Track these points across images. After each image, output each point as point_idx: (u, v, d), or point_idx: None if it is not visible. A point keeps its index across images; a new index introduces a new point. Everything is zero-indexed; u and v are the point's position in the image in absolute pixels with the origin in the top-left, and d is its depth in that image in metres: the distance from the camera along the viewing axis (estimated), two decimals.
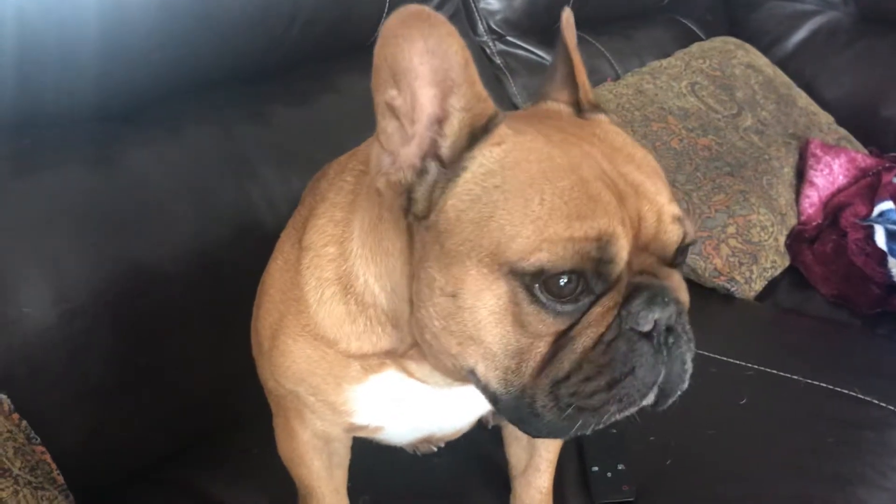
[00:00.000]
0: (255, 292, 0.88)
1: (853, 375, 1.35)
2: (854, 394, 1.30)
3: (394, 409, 0.84)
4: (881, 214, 1.81)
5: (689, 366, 0.69)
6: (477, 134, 0.65)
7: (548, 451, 1.03)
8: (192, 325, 1.24)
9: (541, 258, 0.62)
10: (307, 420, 0.88)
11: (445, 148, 0.65)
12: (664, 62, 2.14)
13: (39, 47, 1.09)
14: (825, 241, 1.79)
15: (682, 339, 0.68)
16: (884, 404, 1.28)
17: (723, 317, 1.65)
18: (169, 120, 1.31)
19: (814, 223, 1.88)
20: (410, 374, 0.79)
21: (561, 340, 0.65)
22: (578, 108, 0.80)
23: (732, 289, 1.66)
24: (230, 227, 1.30)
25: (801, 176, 1.97)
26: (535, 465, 1.04)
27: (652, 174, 0.70)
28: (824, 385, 1.32)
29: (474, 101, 0.64)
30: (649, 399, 0.67)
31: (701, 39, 2.36)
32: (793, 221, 1.87)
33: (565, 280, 0.63)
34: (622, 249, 0.64)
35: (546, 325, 0.64)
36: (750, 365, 1.36)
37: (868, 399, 1.29)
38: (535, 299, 0.63)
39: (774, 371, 1.35)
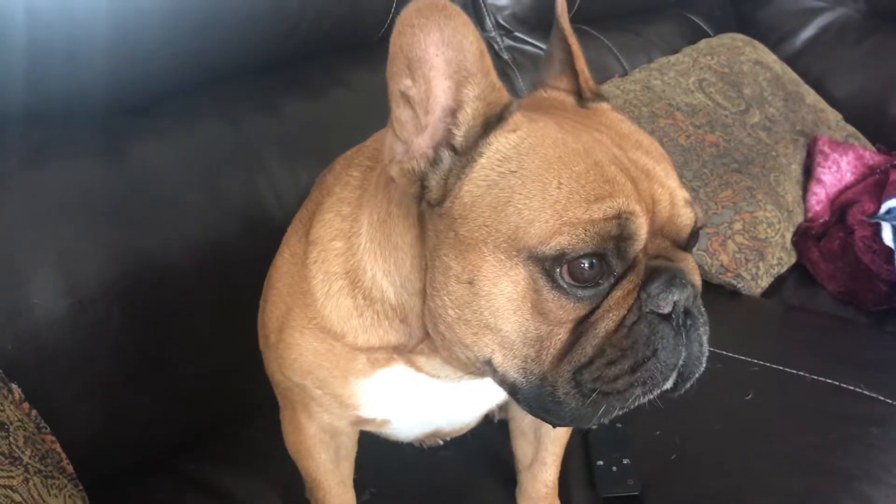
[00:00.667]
0: (263, 285, 0.89)
1: (859, 372, 1.34)
2: (860, 390, 1.30)
3: (401, 404, 0.85)
4: (888, 212, 1.80)
5: (706, 348, 0.69)
6: (491, 122, 0.65)
7: (554, 445, 1.04)
8: (202, 316, 1.25)
9: (561, 242, 0.62)
10: (314, 413, 0.89)
11: (459, 137, 0.65)
12: (672, 58, 2.14)
13: (50, 41, 1.10)
14: (832, 239, 1.79)
15: (698, 322, 0.68)
16: (889, 401, 1.28)
17: (729, 313, 1.65)
18: (179, 113, 1.32)
19: (821, 220, 1.88)
20: (419, 370, 0.79)
21: (581, 326, 0.65)
22: (579, 96, 0.81)
23: (739, 285, 1.66)
24: (240, 220, 1.30)
25: (808, 173, 1.97)
26: (542, 459, 1.05)
27: (661, 159, 0.71)
28: (830, 381, 1.32)
29: (489, 90, 0.64)
30: (669, 382, 0.67)
31: (709, 36, 2.35)
32: (800, 218, 1.87)
33: (586, 263, 0.63)
34: (641, 227, 0.65)
35: (566, 311, 0.64)
36: (756, 361, 1.37)
37: (874, 395, 1.29)
38: (555, 285, 0.63)
39: (780, 367, 1.35)
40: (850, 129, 2.18)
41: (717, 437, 1.20)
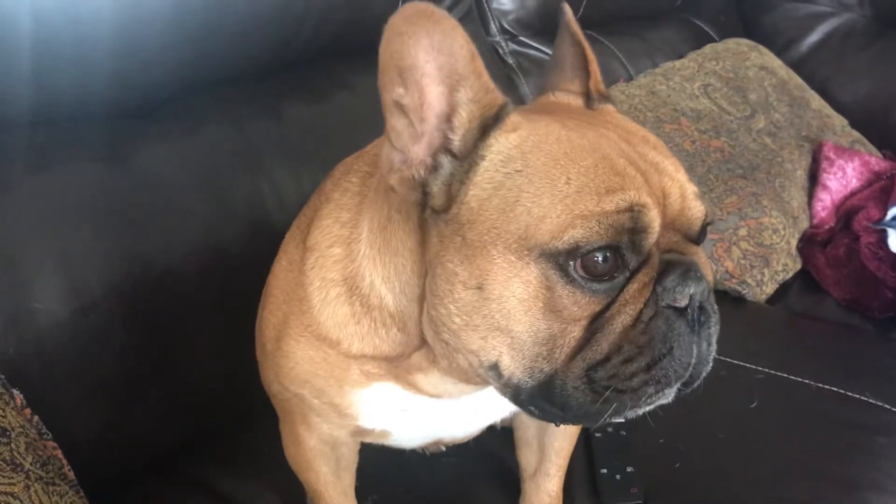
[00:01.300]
0: (262, 293, 0.88)
1: (864, 380, 1.34)
2: (865, 398, 1.29)
3: (400, 416, 0.84)
4: (895, 218, 1.79)
5: (714, 347, 0.68)
6: (488, 124, 0.64)
7: (558, 457, 1.03)
8: (204, 321, 1.24)
9: (574, 235, 0.61)
10: (313, 424, 0.88)
11: (457, 141, 0.65)
12: (677, 63, 2.13)
13: (55, 45, 1.10)
14: (837, 245, 1.78)
15: (711, 319, 0.67)
16: (895, 409, 1.27)
17: (734, 320, 1.64)
18: (183, 117, 1.31)
19: (826, 226, 1.87)
20: (417, 389, 0.78)
21: (596, 322, 0.64)
22: (587, 98, 0.80)
23: (744, 292, 1.66)
24: (243, 224, 1.30)
25: (813, 179, 1.96)
26: (545, 469, 1.04)
27: (668, 155, 0.70)
28: (835, 389, 1.31)
29: (482, 92, 0.63)
30: (681, 381, 0.66)
31: (714, 41, 2.35)
32: (805, 224, 1.87)
33: (600, 256, 0.62)
34: (654, 219, 0.64)
35: (580, 308, 0.63)
36: (761, 368, 1.36)
37: (879, 404, 1.29)
38: (570, 280, 0.62)
39: (785, 375, 1.34)
40: (856, 134, 2.18)
41: (721, 444, 1.19)
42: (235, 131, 1.35)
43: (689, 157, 1.82)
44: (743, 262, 1.68)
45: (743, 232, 1.72)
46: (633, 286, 0.64)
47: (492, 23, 1.96)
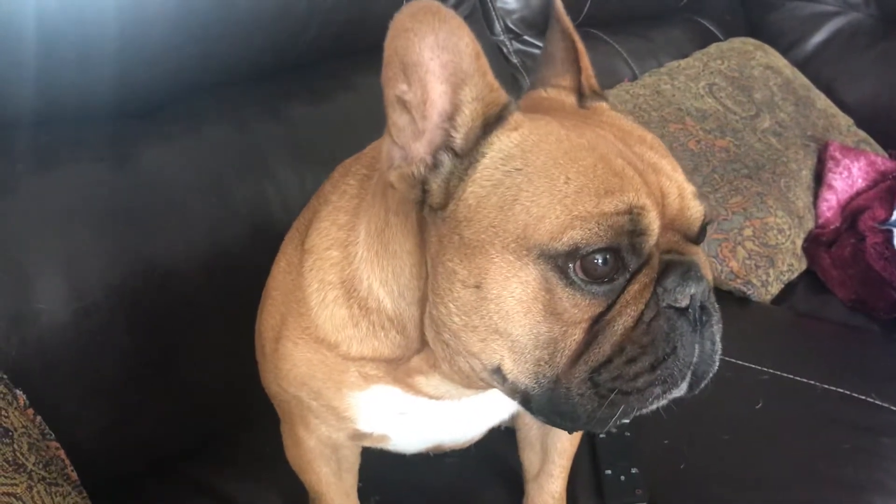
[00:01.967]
0: (262, 295, 0.88)
1: (870, 381, 1.33)
2: (871, 399, 1.29)
3: (399, 420, 0.83)
4: None
5: (719, 346, 0.68)
6: (491, 122, 0.64)
7: (561, 458, 1.03)
8: (207, 322, 1.24)
9: (574, 236, 0.60)
10: (312, 426, 0.88)
11: (459, 139, 0.64)
12: (682, 63, 2.13)
13: (59, 46, 1.10)
14: (843, 245, 1.78)
15: (713, 318, 0.67)
16: None
17: (738, 320, 1.63)
18: (186, 117, 1.31)
19: (832, 227, 1.86)
20: (417, 391, 0.77)
21: (597, 325, 0.63)
22: (580, 95, 0.80)
23: (748, 292, 1.65)
24: (246, 225, 1.30)
25: (819, 179, 1.95)
26: (548, 471, 1.04)
27: (665, 154, 0.69)
28: (840, 390, 1.31)
29: (486, 91, 0.63)
30: (686, 381, 0.65)
31: (719, 40, 2.34)
32: (810, 225, 1.86)
33: (600, 258, 0.62)
34: (653, 221, 0.63)
35: (581, 310, 0.62)
36: (765, 369, 1.35)
37: (885, 405, 1.28)
38: (569, 282, 0.61)
39: (790, 376, 1.34)
40: (862, 134, 2.17)
41: (726, 446, 1.19)
42: (238, 132, 1.35)
43: (693, 156, 1.82)
44: (748, 262, 1.68)
45: (748, 232, 1.71)
46: (634, 287, 0.63)
47: (496, 22, 1.96)
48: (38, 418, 0.96)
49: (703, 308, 0.65)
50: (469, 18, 1.79)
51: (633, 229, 0.62)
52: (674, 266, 0.64)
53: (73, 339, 1.10)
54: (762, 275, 1.68)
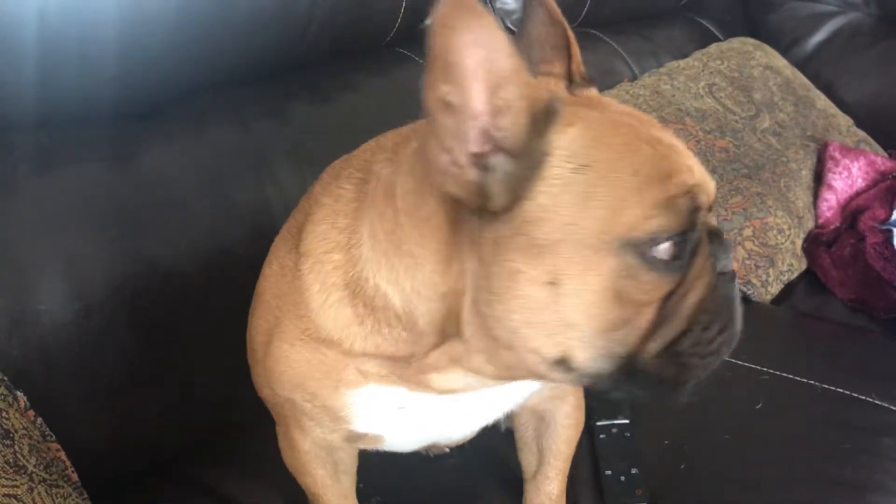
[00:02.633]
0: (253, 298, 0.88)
1: (871, 381, 1.33)
2: (871, 400, 1.29)
3: (394, 418, 0.83)
4: None
5: (741, 308, 0.72)
6: (538, 119, 0.62)
7: (556, 459, 1.03)
8: (209, 322, 1.24)
9: (652, 224, 0.63)
10: (306, 428, 0.87)
11: (509, 139, 0.62)
12: (682, 63, 2.13)
13: (60, 46, 1.10)
14: (843, 245, 1.78)
15: (735, 282, 0.71)
16: None
17: None
18: (187, 118, 1.31)
19: (831, 226, 1.86)
20: (425, 387, 0.77)
21: (668, 302, 0.66)
22: (570, 81, 0.79)
23: (749, 292, 1.65)
24: (247, 225, 1.30)
25: (819, 179, 1.95)
26: (544, 472, 1.04)
27: (670, 133, 0.71)
28: (841, 390, 1.31)
29: (526, 88, 0.61)
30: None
31: (719, 40, 2.34)
32: (810, 225, 1.86)
33: (674, 240, 0.64)
34: (703, 195, 0.66)
35: (657, 290, 0.65)
36: (766, 369, 1.35)
37: (886, 405, 1.28)
38: (650, 266, 0.64)
39: (790, 376, 1.34)
40: (862, 134, 2.17)
41: (726, 446, 1.19)
42: (240, 132, 1.35)
43: None
44: (748, 262, 1.68)
45: (748, 232, 1.71)
46: (699, 261, 0.67)
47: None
48: (39, 420, 0.96)
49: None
50: None
51: (693, 207, 0.65)
52: (713, 236, 0.69)
53: (75, 339, 1.10)
54: (762, 275, 1.68)
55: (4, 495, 0.80)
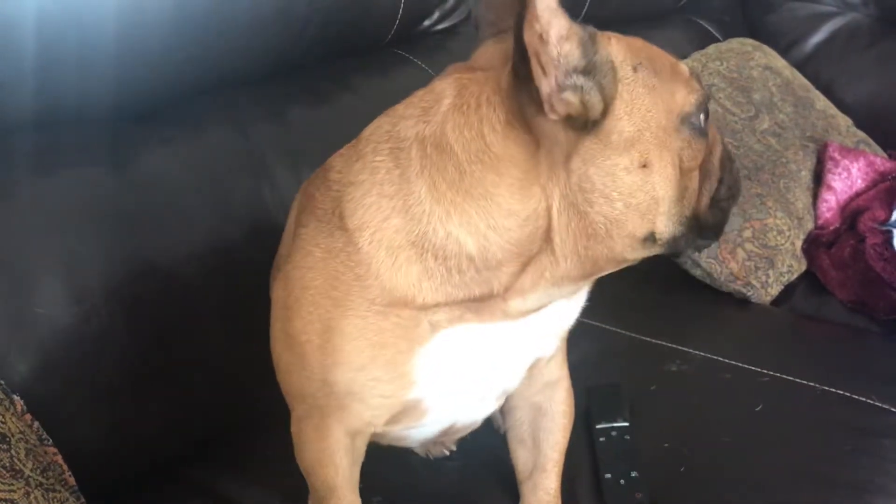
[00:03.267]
0: (280, 298, 0.87)
1: (871, 382, 1.33)
2: (871, 401, 1.29)
3: (455, 370, 0.87)
4: None
5: None
6: (585, 41, 0.73)
7: (553, 451, 1.04)
8: (208, 324, 1.24)
9: (694, 98, 0.79)
10: (350, 413, 0.89)
11: (576, 58, 0.72)
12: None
13: (58, 48, 1.10)
14: (843, 246, 1.77)
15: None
16: None
17: (738, 322, 1.64)
18: (186, 120, 1.31)
19: (831, 227, 1.86)
20: (503, 315, 0.83)
21: (704, 163, 0.81)
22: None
23: (748, 293, 1.65)
24: (245, 228, 1.30)
25: (818, 179, 1.95)
26: (541, 465, 1.05)
27: None
28: (841, 392, 1.30)
29: (569, 30, 0.72)
30: None
31: (718, 41, 2.34)
32: (810, 226, 1.86)
33: (705, 109, 0.79)
34: None
35: (701, 153, 0.80)
36: (765, 371, 1.35)
37: (886, 407, 1.28)
38: (699, 133, 0.79)
39: (790, 378, 1.34)
40: (861, 134, 2.16)
41: (726, 448, 1.19)
42: (238, 134, 1.35)
43: None
44: (748, 263, 1.68)
45: (748, 233, 1.71)
46: (712, 129, 0.83)
47: None
48: (36, 424, 0.96)
49: None
50: (470, 20, 1.79)
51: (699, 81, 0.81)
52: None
53: (73, 342, 1.09)
54: (762, 276, 1.68)
55: (1, 500, 0.80)
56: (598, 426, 1.20)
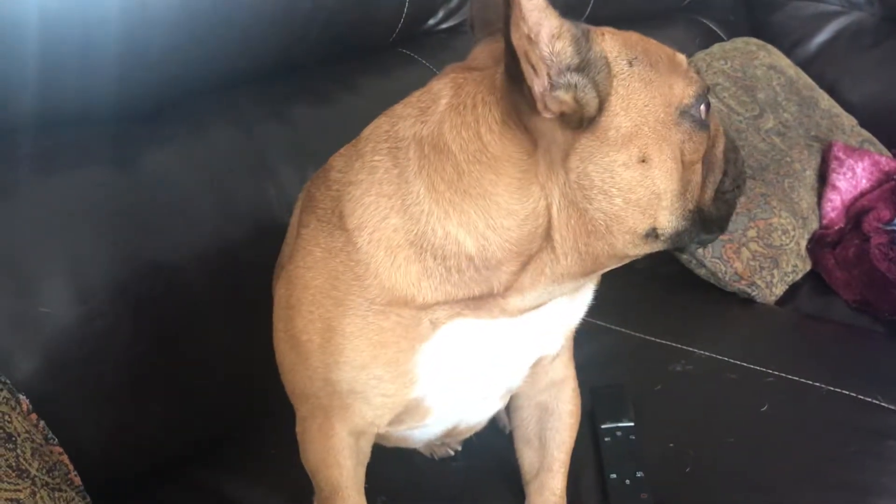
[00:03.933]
0: (282, 297, 0.87)
1: (876, 383, 1.33)
2: (876, 402, 1.28)
3: (456, 369, 0.87)
4: None
5: None
6: (580, 40, 0.73)
7: (559, 451, 1.04)
8: (212, 324, 1.24)
9: (693, 90, 0.77)
10: (352, 413, 0.88)
11: (566, 58, 0.72)
12: None
13: (61, 48, 1.09)
14: (847, 246, 1.77)
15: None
16: None
17: (743, 322, 1.63)
18: (189, 120, 1.31)
19: (836, 227, 1.85)
20: (502, 311, 0.82)
21: (707, 155, 0.80)
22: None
23: (753, 293, 1.65)
24: (249, 227, 1.30)
25: (823, 179, 1.94)
26: (548, 465, 1.05)
27: None
28: (846, 392, 1.30)
29: (560, 28, 0.71)
30: None
31: (722, 40, 2.33)
32: (814, 225, 1.85)
33: (704, 101, 0.78)
34: None
35: (703, 145, 0.78)
36: (770, 371, 1.35)
37: (890, 407, 1.27)
38: (699, 126, 0.77)
39: (795, 378, 1.33)
40: (866, 134, 2.16)
41: (731, 449, 1.18)
42: (241, 134, 1.35)
43: None
44: (752, 263, 1.67)
45: (752, 233, 1.71)
46: (714, 119, 0.82)
47: None
48: (42, 423, 0.96)
49: None
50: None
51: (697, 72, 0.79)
52: None
53: (77, 342, 1.10)
54: (766, 276, 1.67)
55: (7, 500, 0.80)
56: (603, 426, 1.20)
